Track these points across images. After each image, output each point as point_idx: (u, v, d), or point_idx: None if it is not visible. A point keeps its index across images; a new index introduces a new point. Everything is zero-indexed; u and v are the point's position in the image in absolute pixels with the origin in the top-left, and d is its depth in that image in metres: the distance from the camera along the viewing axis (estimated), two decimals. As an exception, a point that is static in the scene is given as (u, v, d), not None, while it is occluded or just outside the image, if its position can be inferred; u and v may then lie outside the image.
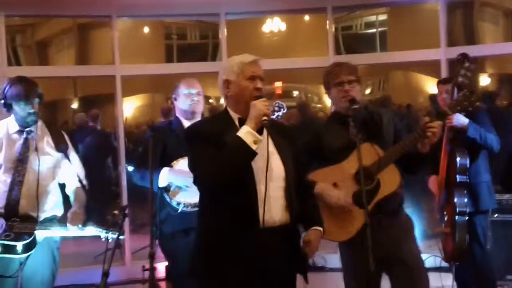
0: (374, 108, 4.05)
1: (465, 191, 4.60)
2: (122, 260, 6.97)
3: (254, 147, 2.90)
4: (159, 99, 14.77)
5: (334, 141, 3.65)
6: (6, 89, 3.94)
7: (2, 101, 3.97)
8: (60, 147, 4.06)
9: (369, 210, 3.37)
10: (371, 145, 3.50)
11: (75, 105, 15.31)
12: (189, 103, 4.30)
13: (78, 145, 9.37)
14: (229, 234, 3.01)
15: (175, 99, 4.44)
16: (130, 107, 14.26)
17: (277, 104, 5.07)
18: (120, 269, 6.77)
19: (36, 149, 3.94)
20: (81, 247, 7.42)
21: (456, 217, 4.53)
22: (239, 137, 2.90)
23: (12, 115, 4.01)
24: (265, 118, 2.94)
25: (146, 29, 14.05)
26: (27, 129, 3.98)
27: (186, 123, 4.24)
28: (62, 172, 4.09)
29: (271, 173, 3.01)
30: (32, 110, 3.92)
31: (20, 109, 3.92)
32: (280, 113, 5.02)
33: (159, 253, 4.05)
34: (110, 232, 3.88)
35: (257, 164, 2.99)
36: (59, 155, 4.06)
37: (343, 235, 3.61)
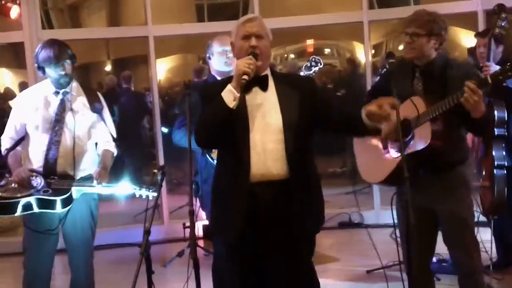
0: (456, 61, 4.01)
1: (503, 144, 4.55)
2: (161, 219, 7.08)
3: (232, 104, 2.94)
4: (191, 59, 14.72)
5: (398, 89, 3.55)
6: (38, 52, 4.00)
7: (36, 65, 4.04)
8: (95, 107, 4.13)
9: (400, 161, 3.40)
10: (423, 99, 3.47)
11: (108, 67, 15.37)
12: (224, 61, 4.28)
13: (113, 107, 9.52)
14: (223, 188, 3.16)
15: (209, 58, 4.42)
16: (162, 68, 14.23)
17: (313, 59, 5.04)
18: (159, 228, 6.89)
19: (72, 110, 4.03)
20: (120, 207, 7.54)
21: (495, 171, 4.51)
22: (220, 95, 2.97)
23: (48, 78, 4.08)
24: (244, 77, 2.93)
25: (176, -10, 13.98)
26: (63, 90, 4.05)
27: (222, 81, 4.23)
28: (96, 132, 4.17)
29: (267, 126, 3.05)
30: (63, 72, 3.97)
31: (52, 71, 3.98)
32: (317, 68, 5.00)
33: (197, 212, 4.10)
34: (144, 189, 3.97)
35: (254, 118, 3.05)
36: (94, 115, 4.13)
37: (374, 177, 3.74)
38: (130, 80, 9.58)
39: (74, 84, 4.11)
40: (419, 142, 3.47)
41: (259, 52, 3.06)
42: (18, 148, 4.12)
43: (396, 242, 3.58)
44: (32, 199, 3.92)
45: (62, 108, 4.02)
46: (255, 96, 3.10)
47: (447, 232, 3.64)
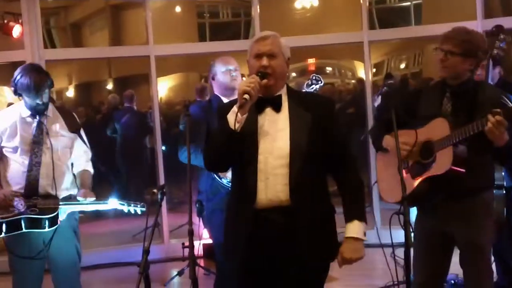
0: (488, 85, 3.98)
1: (502, 165, 4.54)
2: (161, 239, 7.08)
3: (235, 125, 2.87)
4: (193, 78, 14.77)
5: (427, 108, 3.53)
6: (17, 78, 3.94)
7: (13, 89, 4.00)
8: (73, 128, 4.15)
9: (419, 183, 3.44)
10: (448, 121, 3.39)
11: (110, 86, 15.42)
12: (229, 79, 4.27)
13: (115, 125, 9.55)
14: (232, 211, 3.14)
15: (213, 78, 4.41)
16: (164, 87, 14.28)
17: (314, 77, 5.12)
18: (158, 247, 6.89)
19: (47, 133, 4.01)
20: (119, 226, 7.53)
21: (494, 191, 4.49)
22: (226, 117, 2.92)
23: (23, 101, 4.04)
24: (245, 96, 2.85)
25: (178, 9, 14.05)
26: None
27: (226, 101, 4.22)
28: (75, 152, 4.18)
29: (276, 150, 2.96)
30: (40, 102, 3.96)
31: (29, 100, 3.96)
32: (317, 86, 5.06)
33: (197, 231, 4.10)
34: (132, 205, 3.98)
35: (264, 141, 2.97)
36: (72, 135, 4.15)
37: (391, 197, 3.64)
38: (132, 99, 9.61)
39: (50, 107, 4.10)
40: (440, 167, 3.39)
41: (270, 71, 2.98)
42: None
43: (395, 262, 3.57)
44: (20, 218, 3.89)
45: (40, 130, 4.01)
46: (267, 117, 3.02)
47: (463, 257, 3.60)
